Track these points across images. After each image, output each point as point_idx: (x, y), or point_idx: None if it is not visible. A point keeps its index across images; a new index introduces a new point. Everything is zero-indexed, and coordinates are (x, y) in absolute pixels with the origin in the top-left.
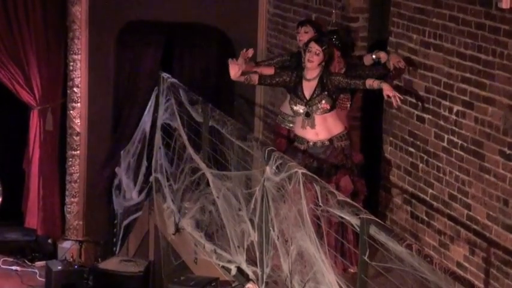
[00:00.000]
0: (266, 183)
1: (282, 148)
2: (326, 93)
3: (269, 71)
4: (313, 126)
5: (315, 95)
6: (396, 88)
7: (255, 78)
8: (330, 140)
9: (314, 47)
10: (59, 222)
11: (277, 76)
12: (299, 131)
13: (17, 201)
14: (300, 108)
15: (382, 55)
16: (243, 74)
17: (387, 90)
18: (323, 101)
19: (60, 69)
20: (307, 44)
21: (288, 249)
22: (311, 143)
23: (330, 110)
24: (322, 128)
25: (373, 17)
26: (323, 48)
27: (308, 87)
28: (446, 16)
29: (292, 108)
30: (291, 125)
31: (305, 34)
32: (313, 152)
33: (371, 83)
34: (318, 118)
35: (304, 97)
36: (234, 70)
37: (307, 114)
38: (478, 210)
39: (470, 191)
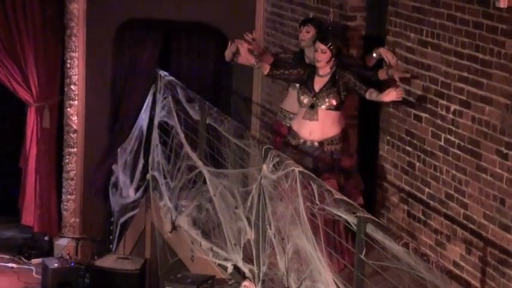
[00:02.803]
0: (263, 181)
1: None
2: (335, 89)
3: (268, 56)
4: (314, 118)
5: (324, 89)
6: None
7: (266, 66)
8: (320, 143)
9: (319, 46)
10: (56, 220)
11: (290, 67)
12: (296, 125)
13: (14, 198)
14: (306, 99)
15: (382, 51)
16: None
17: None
18: (331, 96)
19: (58, 66)
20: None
21: (284, 247)
22: (301, 140)
23: (336, 108)
24: (320, 125)
25: (371, 15)
26: (328, 45)
27: (319, 82)
28: (444, 15)
29: (299, 99)
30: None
31: (307, 34)
32: (302, 149)
33: (371, 95)
34: (321, 112)
35: (313, 89)
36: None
37: (312, 106)
38: (475, 209)
39: (467, 190)
